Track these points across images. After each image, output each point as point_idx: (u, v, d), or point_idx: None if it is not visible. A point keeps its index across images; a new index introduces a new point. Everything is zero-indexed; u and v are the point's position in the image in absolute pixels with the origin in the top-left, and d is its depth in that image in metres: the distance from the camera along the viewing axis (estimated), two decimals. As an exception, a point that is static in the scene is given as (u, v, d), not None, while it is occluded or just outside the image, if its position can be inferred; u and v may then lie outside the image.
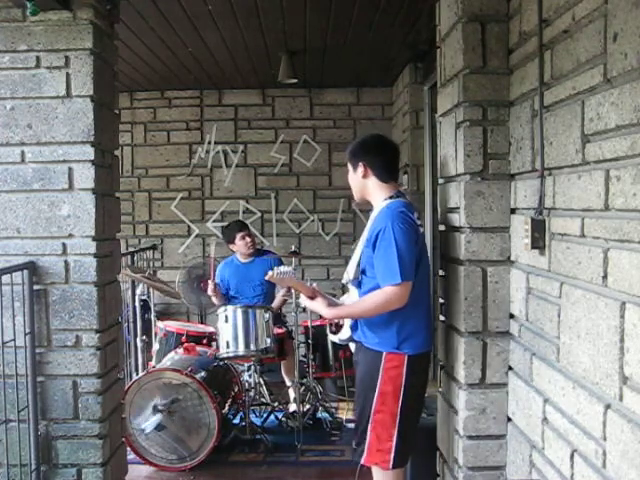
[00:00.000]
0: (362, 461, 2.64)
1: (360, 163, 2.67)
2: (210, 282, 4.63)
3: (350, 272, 2.73)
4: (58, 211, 2.71)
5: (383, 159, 2.69)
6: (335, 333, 2.98)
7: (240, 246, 4.74)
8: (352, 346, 2.89)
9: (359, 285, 2.69)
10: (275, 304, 4.74)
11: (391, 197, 2.63)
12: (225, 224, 5.48)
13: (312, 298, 2.72)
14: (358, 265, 2.68)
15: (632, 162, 1.60)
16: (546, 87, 2.14)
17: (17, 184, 2.71)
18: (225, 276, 4.82)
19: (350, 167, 2.74)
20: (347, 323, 2.78)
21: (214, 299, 4.72)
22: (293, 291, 4.31)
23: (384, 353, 2.57)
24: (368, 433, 2.60)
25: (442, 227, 2.94)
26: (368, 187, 2.69)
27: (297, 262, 4.89)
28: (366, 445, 2.61)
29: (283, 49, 4.94)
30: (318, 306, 2.69)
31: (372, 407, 2.59)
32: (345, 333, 2.79)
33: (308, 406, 4.40)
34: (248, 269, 4.77)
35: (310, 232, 6.50)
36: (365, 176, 2.67)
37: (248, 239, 4.73)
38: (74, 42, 2.67)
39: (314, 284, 2.91)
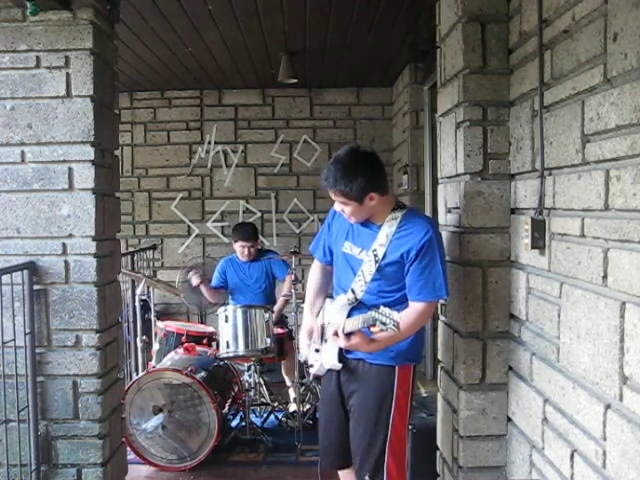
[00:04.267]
0: None
1: (369, 195, 2.36)
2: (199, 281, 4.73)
3: (358, 291, 2.46)
4: (58, 211, 2.71)
5: (383, 177, 2.46)
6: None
7: (237, 251, 4.78)
8: (325, 367, 2.57)
9: (360, 303, 2.46)
10: (277, 307, 4.75)
11: (398, 206, 2.46)
12: (241, 222, 5.52)
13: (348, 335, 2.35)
14: (369, 283, 2.44)
15: (632, 162, 1.60)
16: (546, 87, 2.14)
17: (17, 184, 2.71)
18: (225, 272, 4.82)
19: (352, 202, 2.38)
20: (333, 349, 2.48)
21: (210, 298, 4.79)
22: (293, 292, 4.31)
23: (397, 367, 2.47)
24: (386, 458, 2.46)
25: (442, 227, 2.94)
26: (374, 209, 2.43)
27: (297, 262, 4.89)
28: (385, 473, 2.46)
29: (283, 49, 4.94)
30: (361, 344, 2.34)
31: (388, 428, 2.46)
32: (332, 361, 2.50)
33: (308, 406, 4.40)
34: (249, 269, 4.78)
35: (310, 232, 6.50)
36: (373, 201, 2.39)
37: (245, 251, 4.74)
38: (74, 42, 2.67)
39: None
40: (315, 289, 2.75)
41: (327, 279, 2.75)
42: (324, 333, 2.56)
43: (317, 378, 2.95)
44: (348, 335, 2.32)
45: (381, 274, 2.42)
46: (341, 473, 2.74)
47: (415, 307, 2.37)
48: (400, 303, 2.41)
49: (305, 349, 2.66)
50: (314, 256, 2.78)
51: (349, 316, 2.43)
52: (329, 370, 2.58)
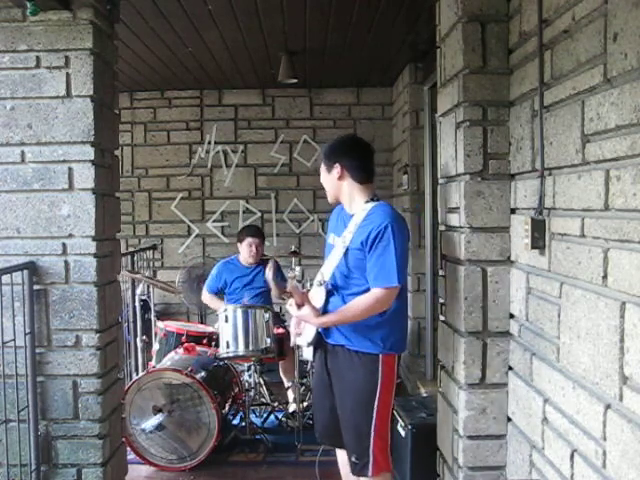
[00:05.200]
0: (370, 474, 2.58)
1: (336, 164, 2.65)
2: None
3: (326, 274, 2.67)
4: (58, 211, 2.71)
5: (359, 160, 2.67)
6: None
7: (244, 251, 4.75)
8: (308, 351, 2.82)
9: (334, 288, 2.64)
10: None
11: (372, 199, 2.63)
12: (248, 223, 5.52)
13: (299, 306, 2.61)
14: (336, 267, 2.63)
15: (632, 162, 1.60)
16: (546, 87, 2.14)
17: (17, 184, 2.71)
18: (223, 275, 4.80)
19: (324, 168, 2.72)
20: (311, 329, 2.70)
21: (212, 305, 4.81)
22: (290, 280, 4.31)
23: (381, 355, 2.57)
24: (371, 442, 2.57)
25: (442, 227, 2.94)
26: (343, 189, 2.67)
27: (297, 262, 4.89)
28: (371, 457, 2.57)
29: (283, 49, 4.93)
30: (307, 315, 2.60)
31: (373, 414, 2.56)
32: (309, 335, 2.72)
33: (306, 404, 4.40)
34: (251, 275, 4.75)
35: (310, 232, 6.50)
36: (341, 178, 2.65)
37: (253, 249, 4.72)
38: (74, 42, 2.67)
39: (296, 270, 2.88)
40: None
41: None
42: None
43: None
44: (299, 306, 2.59)
45: (346, 259, 2.59)
46: (339, 452, 2.87)
47: (370, 292, 2.52)
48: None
49: (294, 337, 2.85)
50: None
51: (327, 301, 2.65)
52: (318, 353, 2.75)
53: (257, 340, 4.01)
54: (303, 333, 2.75)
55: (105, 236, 2.84)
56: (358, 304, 2.53)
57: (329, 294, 2.67)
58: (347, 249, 2.59)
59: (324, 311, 2.63)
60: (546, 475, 2.17)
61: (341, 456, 2.85)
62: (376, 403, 2.56)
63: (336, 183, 2.68)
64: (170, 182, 6.57)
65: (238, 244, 4.83)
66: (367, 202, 2.62)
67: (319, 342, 2.72)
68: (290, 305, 2.63)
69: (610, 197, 1.71)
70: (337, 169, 2.65)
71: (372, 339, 2.57)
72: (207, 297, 4.87)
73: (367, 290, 2.54)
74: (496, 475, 2.59)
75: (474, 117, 2.51)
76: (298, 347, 2.89)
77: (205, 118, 6.54)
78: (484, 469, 2.59)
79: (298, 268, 2.78)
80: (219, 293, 4.85)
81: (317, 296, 2.68)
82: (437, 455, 3.03)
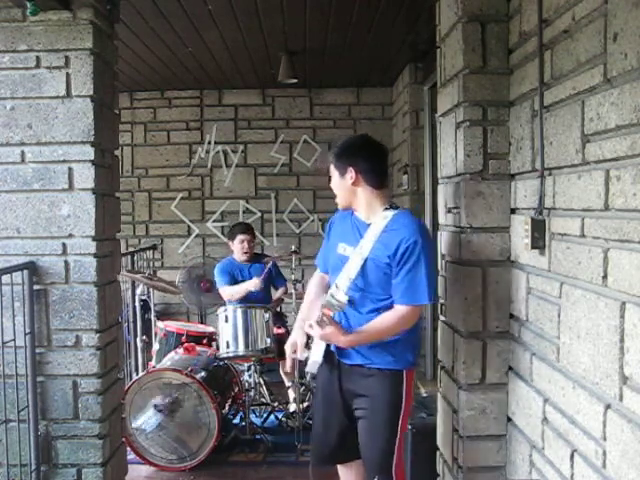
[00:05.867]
0: None
1: (350, 168, 2.42)
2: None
3: (342, 286, 2.41)
4: (58, 211, 2.71)
5: (375, 164, 2.47)
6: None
7: (236, 248, 4.75)
8: (311, 367, 2.51)
9: (348, 303, 2.41)
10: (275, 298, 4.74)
11: (391, 207, 2.46)
12: (235, 223, 5.49)
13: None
14: (353, 281, 2.40)
15: (632, 162, 1.60)
16: (546, 87, 2.14)
17: (17, 184, 2.71)
18: (228, 271, 4.79)
19: (335, 172, 2.49)
20: (320, 344, 2.45)
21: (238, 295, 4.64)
22: (294, 296, 4.31)
23: (404, 371, 2.45)
24: (394, 461, 2.45)
25: (442, 227, 2.94)
26: (358, 195, 2.45)
27: (297, 262, 4.89)
28: (394, 476, 2.45)
29: (283, 49, 4.94)
30: (332, 334, 2.32)
31: (397, 434, 2.44)
32: (317, 354, 2.46)
33: (307, 404, 4.40)
34: (248, 271, 4.75)
35: (310, 232, 6.51)
36: (355, 183, 2.43)
37: (245, 245, 4.72)
38: (74, 42, 2.67)
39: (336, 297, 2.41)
40: (309, 301, 2.69)
41: (324, 290, 2.66)
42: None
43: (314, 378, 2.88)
44: (321, 324, 2.31)
45: (364, 271, 2.38)
46: (340, 467, 2.74)
47: (397, 309, 2.37)
48: (388, 309, 2.39)
49: (289, 363, 2.71)
50: (317, 266, 2.77)
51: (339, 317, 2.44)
52: (329, 373, 2.53)
53: (257, 340, 4.01)
54: (312, 352, 2.49)
55: (105, 236, 2.84)
56: (384, 321, 2.36)
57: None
58: (365, 260, 2.38)
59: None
60: (546, 475, 2.17)
61: (345, 476, 2.72)
62: (400, 421, 2.45)
63: (350, 189, 2.45)
64: (170, 182, 6.57)
65: (230, 243, 4.83)
66: (386, 209, 2.43)
67: (330, 361, 2.51)
68: (310, 326, 2.35)
69: (610, 197, 1.71)
70: (351, 174, 2.42)
71: (394, 355, 2.42)
72: (227, 290, 4.65)
73: (385, 305, 2.38)
74: (496, 475, 2.59)
75: (474, 117, 2.51)
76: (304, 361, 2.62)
77: (205, 118, 6.55)
78: (484, 469, 2.59)
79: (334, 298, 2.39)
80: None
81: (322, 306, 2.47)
82: (437, 455, 3.03)
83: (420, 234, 2.34)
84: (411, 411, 2.53)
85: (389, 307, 2.39)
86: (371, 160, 2.47)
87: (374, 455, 2.48)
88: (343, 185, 2.47)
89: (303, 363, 2.70)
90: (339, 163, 2.47)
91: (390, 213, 2.42)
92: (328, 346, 2.47)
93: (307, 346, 2.58)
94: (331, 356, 2.50)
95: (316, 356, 2.47)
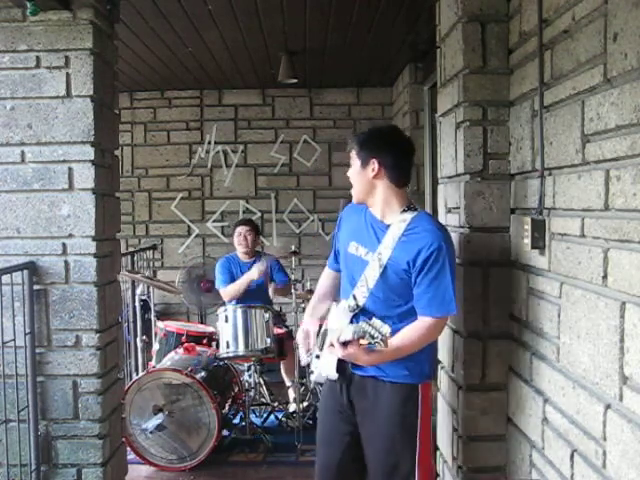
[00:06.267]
0: None
1: (373, 160, 2.21)
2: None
3: (360, 297, 2.24)
4: (58, 211, 2.71)
5: (401, 159, 2.27)
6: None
7: (235, 242, 4.75)
8: (319, 376, 2.35)
9: (362, 312, 2.24)
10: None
11: (409, 208, 2.26)
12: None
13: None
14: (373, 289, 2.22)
15: (632, 162, 1.60)
16: (546, 87, 2.14)
17: (17, 184, 2.71)
18: (229, 268, 4.77)
19: (357, 160, 2.27)
20: (332, 357, 2.24)
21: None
22: (294, 296, 4.30)
23: (420, 385, 2.26)
24: (416, 478, 2.25)
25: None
26: (377, 191, 2.25)
27: (297, 262, 4.89)
28: None
29: (283, 49, 4.94)
30: (356, 354, 2.09)
31: (417, 447, 2.24)
32: (329, 370, 2.28)
33: (306, 404, 4.40)
34: (249, 268, 4.74)
35: (310, 232, 6.51)
36: (377, 176, 2.22)
37: (242, 238, 4.70)
38: (74, 42, 2.67)
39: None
40: (319, 294, 2.59)
41: (335, 285, 2.56)
42: (325, 339, 2.30)
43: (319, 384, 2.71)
44: (345, 344, 2.07)
45: (385, 280, 2.20)
46: None
47: (423, 321, 2.17)
48: (409, 315, 2.20)
49: (304, 353, 2.48)
50: (327, 265, 2.63)
51: (352, 323, 2.23)
52: (337, 384, 2.34)
53: (257, 340, 4.01)
54: (322, 364, 2.31)
55: (105, 236, 2.84)
56: (409, 336, 2.16)
57: (353, 319, 2.26)
58: (385, 268, 2.19)
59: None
60: (546, 475, 2.17)
61: None
62: (418, 436, 2.25)
63: (369, 182, 2.24)
64: (170, 182, 6.57)
65: (233, 239, 4.84)
66: (404, 211, 2.25)
67: (341, 371, 2.30)
68: (330, 347, 2.14)
69: (610, 197, 1.71)
70: (374, 165, 2.21)
71: (409, 368, 2.22)
72: (228, 290, 4.62)
73: (401, 312, 2.21)
74: (496, 475, 2.59)
75: (474, 117, 2.51)
76: (310, 370, 2.45)
77: (205, 118, 6.55)
78: (484, 469, 2.59)
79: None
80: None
81: (338, 319, 2.28)
82: (437, 455, 3.03)
83: (443, 240, 2.15)
84: (430, 424, 2.34)
85: (404, 314, 2.21)
86: (398, 155, 2.27)
87: (382, 475, 2.28)
88: (363, 176, 2.25)
89: (307, 368, 2.61)
90: (363, 152, 2.25)
91: (409, 216, 2.23)
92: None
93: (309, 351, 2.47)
94: (342, 365, 2.28)
95: (329, 372, 2.29)
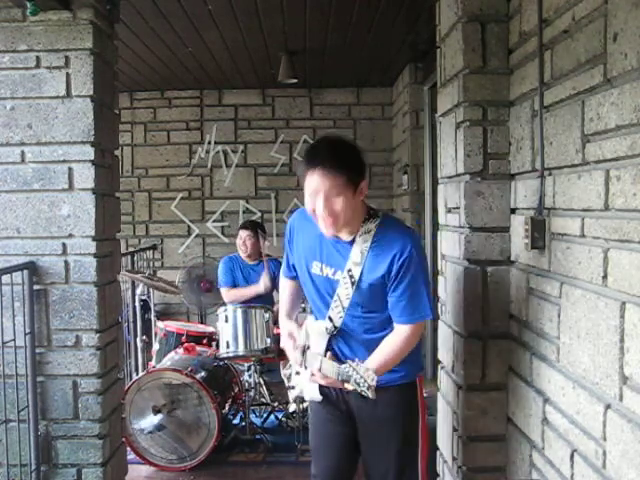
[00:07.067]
0: None
1: (361, 184, 2.07)
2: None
3: (336, 319, 2.17)
4: (58, 211, 2.71)
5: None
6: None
7: (238, 245, 4.74)
8: (305, 396, 2.33)
9: (339, 332, 2.19)
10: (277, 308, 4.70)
11: (371, 216, 2.15)
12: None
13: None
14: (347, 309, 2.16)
15: (632, 162, 1.60)
16: (546, 87, 2.14)
17: (17, 184, 2.71)
18: (232, 269, 4.75)
19: (346, 190, 2.03)
20: (313, 384, 2.20)
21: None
22: None
23: (416, 380, 2.29)
24: (419, 473, 2.27)
25: (442, 227, 2.94)
26: (358, 212, 2.13)
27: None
28: None
29: (283, 49, 4.94)
30: (340, 384, 2.02)
31: (419, 443, 2.27)
32: (312, 393, 2.25)
33: (308, 405, 4.39)
34: (253, 271, 4.72)
35: (310, 232, 6.50)
36: (361, 197, 2.11)
37: (241, 242, 4.69)
38: (74, 42, 2.67)
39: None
40: (287, 310, 2.46)
41: (298, 294, 2.47)
42: (305, 356, 2.23)
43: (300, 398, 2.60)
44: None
45: (359, 296, 2.13)
46: None
47: (400, 330, 2.13)
48: (385, 325, 2.17)
49: (294, 362, 2.34)
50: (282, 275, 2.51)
51: (329, 345, 2.20)
52: (331, 390, 2.26)
53: (257, 340, 4.01)
54: (304, 383, 2.27)
55: (105, 236, 2.84)
56: (389, 349, 2.12)
57: (331, 341, 2.21)
58: (358, 285, 2.11)
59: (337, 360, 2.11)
60: (546, 475, 2.17)
61: None
62: (420, 431, 2.28)
63: (358, 204, 2.10)
64: (170, 182, 6.57)
65: (235, 240, 4.83)
66: (366, 220, 2.14)
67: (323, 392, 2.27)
68: (312, 375, 2.11)
69: (610, 197, 1.71)
70: (362, 193, 2.09)
71: (402, 370, 2.21)
72: (228, 293, 4.59)
73: (382, 324, 2.17)
74: (496, 475, 2.59)
75: (474, 117, 2.51)
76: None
77: (205, 118, 6.55)
78: (484, 469, 2.59)
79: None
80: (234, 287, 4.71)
81: (317, 340, 2.22)
82: (437, 455, 3.03)
83: (412, 244, 2.09)
84: (426, 415, 2.35)
85: (384, 322, 2.17)
86: (364, 165, 2.15)
87: (389, 476, 2.25)
88: (354, 202, 2.07)
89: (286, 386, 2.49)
90: (354, 180, 2.05)
91: (372, 225, 2.12)
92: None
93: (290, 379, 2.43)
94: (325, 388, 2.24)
95: (313, 394, 2.25)
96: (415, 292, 2.10)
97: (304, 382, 2.28)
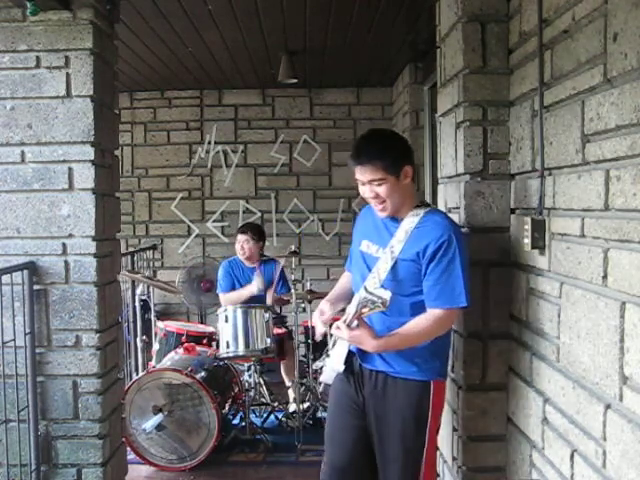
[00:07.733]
0: None
1: (407, 167, 2.20)
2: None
3: (371, 288, 2.17)
4: (58, 211, 2.71)
5: (412, 155, 2.30)
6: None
7: (237, 248, 4.74)
8: (328, 376, 2.36)
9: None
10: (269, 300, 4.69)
11: (422, 204, 2.29)
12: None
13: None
14: (383, 282, 2.20)
15: (632, 162, 1.60)
16: (546, 87, 2.14)
17: (17, 184, 2.71)
18: (232, 273, 4.76)
19: (389, 176, 2.16)
20: (341, 349, 2.26)
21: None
22: (293, 292, 4.30)
23: (432, 382, 2.24)
24: (421, 476, 2.25)
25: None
26: (407, 194, 2.24)
27: (297, 262, 4.88)
28: None
29: (283, 49, 4.93)
30: (361, 336, 2.09)
31: (425, 444, 2.25)
32: (336, 362, 2.28)
33: (308, 404, 4.40)
34: (250, 275, 4.72)
35: (310, 232, 6.50)
36: (408, 180, 2.22)
37: (238, 246, 4.70)
38: (74, 42, 2.67)
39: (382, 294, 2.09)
40: (338, 290, 2.55)
41: (350, 287, 2.52)
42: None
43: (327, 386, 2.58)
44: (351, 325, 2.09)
45: (395, 272, 2.21)
46: None
47: (431, 313, 2.17)
48: (421, 308, 2.19)
49: (318, 331, 2.37)
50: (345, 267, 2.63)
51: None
52: (346, 378, 2.33)
53: (257, 340, 4.01)
54: (332, 354, 2.30)
55: (105, 236, 2.84)
56: (418, 326, 2.15)
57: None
58: (396, 261, 2.20)
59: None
60: (546, 475, 2.17)
61: None
62: (427, 434, 2.25)
63: (404, 189, 2.22)
64: (170, 182, 6.57)
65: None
66: (417, 206, 2.26)
67: (349, 364, 2.30)
68: (337, 327, 2.12)
69: (610, 197, 1.71)
70: (408, 176, 2.21)
71: (417, 364, 2.22)
72: (227, 297, 4.63)
73: (415, 306, 2.20)
74: (496, 475, 2.59)
75: (474, 117, 2.51)
76: (320, 369, 2.43)
77: (205, 118, 6.54)
78: (484, 469, 2.59)
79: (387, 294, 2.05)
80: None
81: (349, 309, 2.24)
82: (437, 455, 3.03)
83: (453, 232, 2.17)
84: (439, 425, 2.34)
85: (416, 307, 2.20)
86: (410, 149, 2.31)
87: (392, 473, 2.26)
88: (399, 187, 2.20)
89: (318, 373, 2.53)
90: (396, 165, 2.18)
91: (422, 211, 2.25)
92: (349, 350, 2.27)
93: (321, 354, 2.45)
94: (351, 359, 2.29)
95: (336, 364, 2.27)
96: (451, 277, 2.14)
97: (332, 357, 2.31)
